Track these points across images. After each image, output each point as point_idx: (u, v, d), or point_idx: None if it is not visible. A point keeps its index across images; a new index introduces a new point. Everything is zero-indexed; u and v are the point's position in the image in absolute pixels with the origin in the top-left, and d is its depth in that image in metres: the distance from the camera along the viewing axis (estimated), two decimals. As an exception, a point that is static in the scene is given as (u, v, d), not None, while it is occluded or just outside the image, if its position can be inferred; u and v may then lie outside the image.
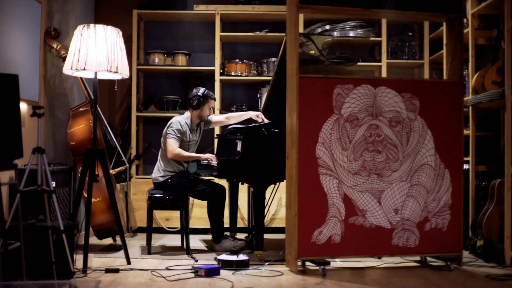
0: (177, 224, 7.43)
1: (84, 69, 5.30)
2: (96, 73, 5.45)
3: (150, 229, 6.19)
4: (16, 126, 4.36)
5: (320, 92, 5.34)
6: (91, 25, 5.37)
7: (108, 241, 6.69)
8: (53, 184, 4.65)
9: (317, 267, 5.35)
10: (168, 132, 6.30)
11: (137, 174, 7.90)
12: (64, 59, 6.49)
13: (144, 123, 8.21)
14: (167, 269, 5.34)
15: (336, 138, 5.34)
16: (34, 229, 4.70)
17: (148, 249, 6.09)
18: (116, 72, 5.41)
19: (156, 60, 7.98)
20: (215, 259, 5.56)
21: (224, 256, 5.50)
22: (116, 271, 5.21)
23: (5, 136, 4.27)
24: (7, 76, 4.43)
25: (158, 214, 7.47)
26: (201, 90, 6.42)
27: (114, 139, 6.76)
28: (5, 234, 4.18)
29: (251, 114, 6.49)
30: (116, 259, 5.77)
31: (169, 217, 7.54)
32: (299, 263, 5.38)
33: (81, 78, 6.44)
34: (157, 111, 8.01)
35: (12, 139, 4.33)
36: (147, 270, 5.28)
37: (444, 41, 6.11)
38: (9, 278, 4.40)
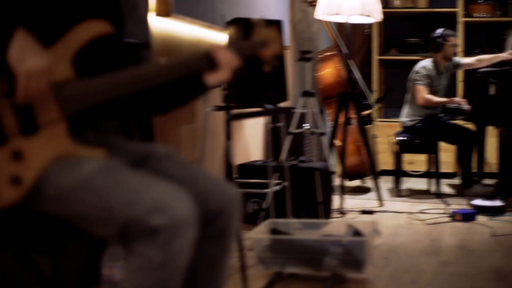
0: (420, 167, 7.36)
1: (337, 13, 5.35)
2: (348, 17, 5.50)
3: (399, 172, 6.25)
4: (282, 71, 4.52)
5: None
6: (344, -29, 5.40)
7: (355, 182, 6.79)
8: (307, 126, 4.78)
9: None
10: (415, 78, 6.25)
11: (378, 117, 7.91)
12: (310, 3, 6.57)
13: (384, 67, 8.19)
14: (421, 212, 5.37)
15: None
16: (298, 170, 4.86)
17: (397, 192, 6.15)
18: (369, 16, 5.43)
19: (397, 2, 7.90)
20: (470, 204, 5.50)
21: (479, 201, 5.42)
22: (370, 212, 5.33)
23: (273, 81, 4.45)
24: (272, 21, 4.59)
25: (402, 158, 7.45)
26: (439, 30, 6.30)
27: (360, 82, 6.80)
28: (282, 174, 4.39)
29: (505, 56, 6.23)
30: (366, 201, 5.88)
31: (412, 161, 7.48)
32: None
33: (328, 22, 6.50)
34: (397, 54, 7.95)
35: (279, 84, 4.50)
36: (401, 212, 5.35)
37: None
38: (279, 216, 4.62)
